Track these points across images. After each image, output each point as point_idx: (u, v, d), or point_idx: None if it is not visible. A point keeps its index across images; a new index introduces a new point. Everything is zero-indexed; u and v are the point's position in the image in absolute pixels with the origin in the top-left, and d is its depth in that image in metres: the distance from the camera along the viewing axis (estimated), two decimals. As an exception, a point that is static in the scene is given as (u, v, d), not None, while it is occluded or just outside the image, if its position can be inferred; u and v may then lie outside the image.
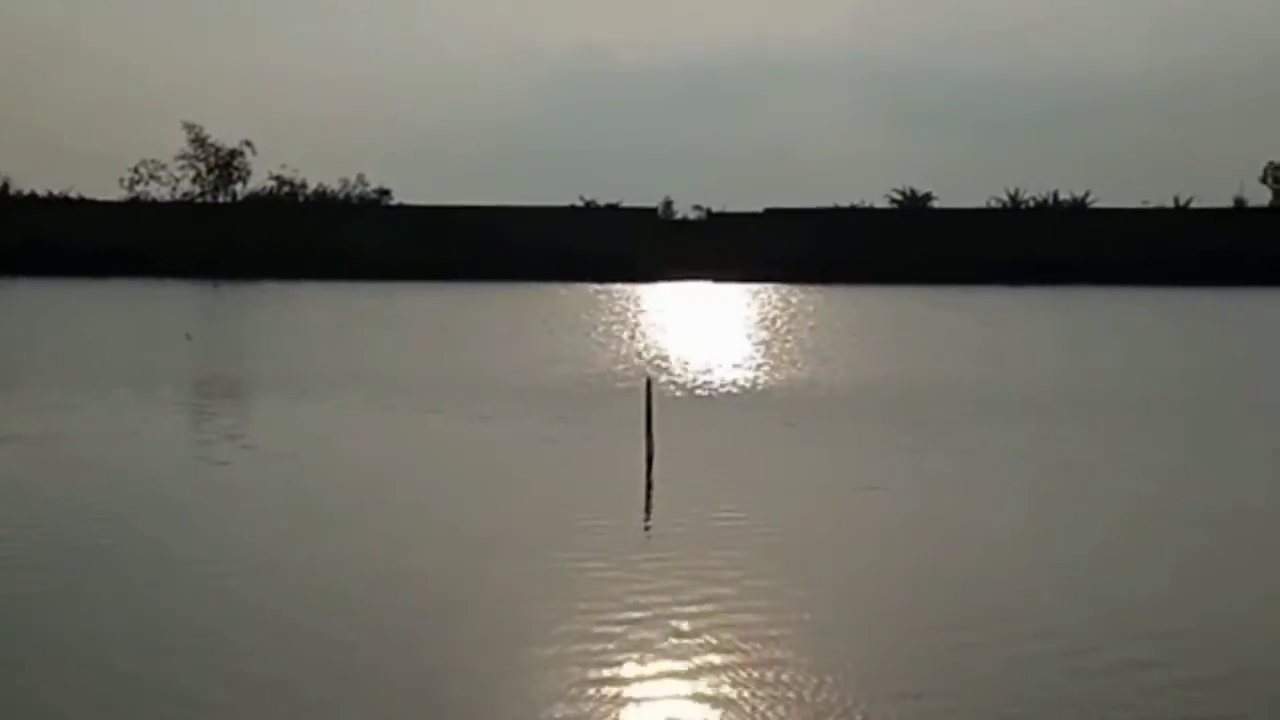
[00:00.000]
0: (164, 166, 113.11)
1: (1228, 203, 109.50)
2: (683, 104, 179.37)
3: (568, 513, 14.81)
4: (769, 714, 8.51)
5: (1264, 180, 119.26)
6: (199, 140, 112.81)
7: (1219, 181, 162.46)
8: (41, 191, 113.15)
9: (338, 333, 45.09)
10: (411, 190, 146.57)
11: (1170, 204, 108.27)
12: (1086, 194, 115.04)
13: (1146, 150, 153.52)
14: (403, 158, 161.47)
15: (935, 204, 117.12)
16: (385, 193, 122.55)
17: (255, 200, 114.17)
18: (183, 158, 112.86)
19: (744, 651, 9.74)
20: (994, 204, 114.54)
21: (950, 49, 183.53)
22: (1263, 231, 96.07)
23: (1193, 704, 8.83)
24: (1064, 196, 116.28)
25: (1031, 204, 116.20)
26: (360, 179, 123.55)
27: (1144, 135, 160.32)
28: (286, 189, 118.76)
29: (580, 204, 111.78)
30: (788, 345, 40.11)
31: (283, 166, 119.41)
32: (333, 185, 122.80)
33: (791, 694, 8.85)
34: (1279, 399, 27.77)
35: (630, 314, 58.28)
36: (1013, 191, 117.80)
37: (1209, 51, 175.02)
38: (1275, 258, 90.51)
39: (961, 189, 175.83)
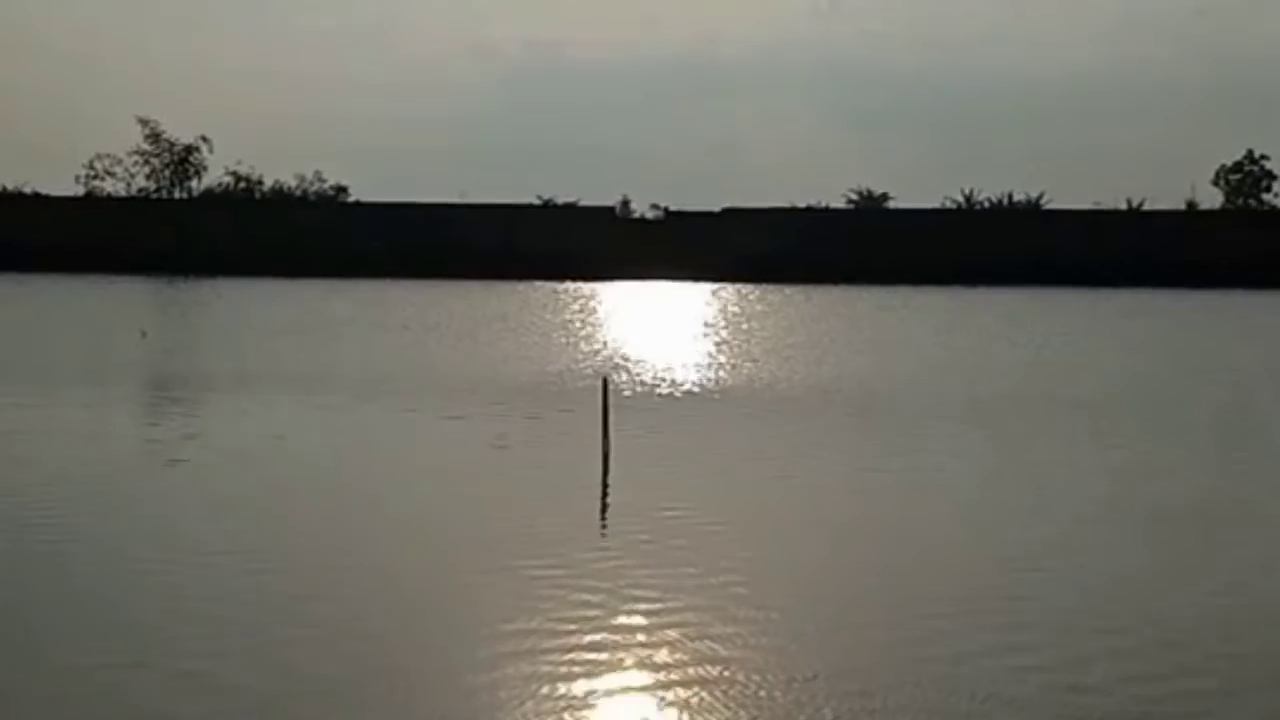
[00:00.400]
0: (120, 161, 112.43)
1: (1180, 205, 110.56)
2: (638, 103, 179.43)
3: (523, 512, 14.85)
4: (722, 713, 8.58)
5: (1216, 183, 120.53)
6: (154, 136, 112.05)
7: (1171, 184, 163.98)
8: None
9: (294, 330, 44.91)
10: (368, 187, 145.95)
11: (1123, 206, 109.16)
12: (1041, 195, 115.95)
13: (1100, 152, 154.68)
14: (359, 154, 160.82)
15: (892, 204, 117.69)
16: (342, 189, 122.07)
17: (211, 196, 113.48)
18: (138, 153, 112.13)
19: (698, 652, 9.81)
20: (949, 204, 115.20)
21: (904, 50, 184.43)
22: (1215, 234, 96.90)
23: (1144, 701, 8.97)
24: (1018, 198, 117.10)
25: (986, 205, 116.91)
26: (317, 175, 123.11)
27: (1097, 137, 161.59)
28: (243, 185, 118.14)
29: (538, 202, 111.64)
30: (745, 345, 40.24)
31: (238, 163, 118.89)
32: (289, 181, 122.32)
33: (744, 693, 8.93)
34: (1225, 399, 28.09)
35: (588, 313, 58.31)
36: (968, 192, 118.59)
37: (1162, 55, 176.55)
38: (1227, 260, 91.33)
39: (917, 190, 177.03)
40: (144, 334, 40.15)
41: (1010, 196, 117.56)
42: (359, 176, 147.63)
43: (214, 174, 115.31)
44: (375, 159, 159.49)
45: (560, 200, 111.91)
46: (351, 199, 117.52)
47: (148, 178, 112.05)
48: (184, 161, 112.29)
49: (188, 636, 10.07)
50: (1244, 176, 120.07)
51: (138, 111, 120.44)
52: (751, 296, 73.56)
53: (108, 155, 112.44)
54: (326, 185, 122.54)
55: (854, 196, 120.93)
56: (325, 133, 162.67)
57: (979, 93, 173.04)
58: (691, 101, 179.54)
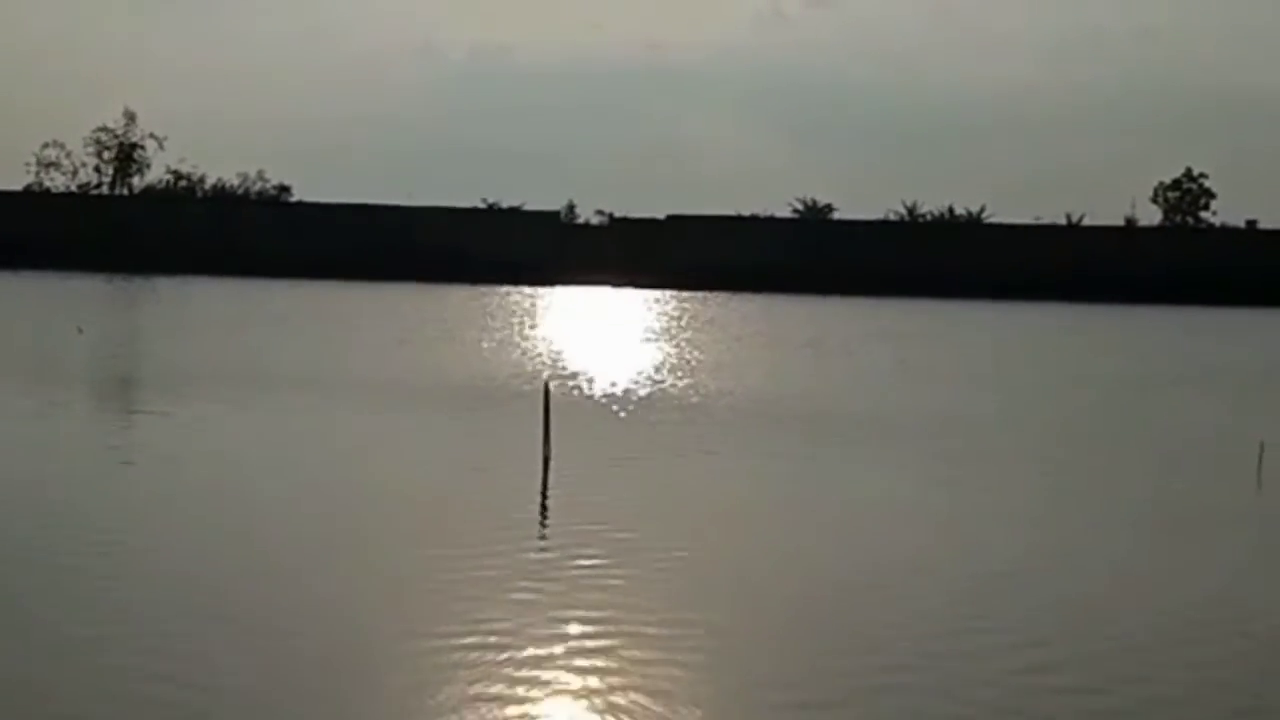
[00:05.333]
0: (70, 153, 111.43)
1: (1119, 221, 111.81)
2: (584, 108, 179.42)
3: (461, 516, 14.78)
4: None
5: (1155, 200, 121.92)
6: (107, 129, 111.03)
7: (1112, 201, 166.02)
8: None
9: (233, 330, 44.55)
10: (311, 188, 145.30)
11: (1063, 221, 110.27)
12: (982, 209, 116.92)
13: (1041, 167, 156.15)
14: (303, 155, 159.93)
15: (835, 215, 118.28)
16: (285, 189, 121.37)
17: (152, 193, 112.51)
18: (90, 144, 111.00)
19: (633, 659, 9.78)
20: (892, 216, 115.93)
21: (849, 62, 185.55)
22: (1152, 250, 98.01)
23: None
24: (960, 211, 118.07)
25: (929, 217, 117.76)
26: (260, 174, 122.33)
27: (1038, 153, 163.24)
28: (184, 183, 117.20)
29: (483, 205, 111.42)
30: (687, 353, 40.28)
31: (181, 160, 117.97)
32: (231, 180, 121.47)
33: (675, 704, 8.90)
34: (1144, 417, 28.39)
35: (531, 317, 58.21)
36: (910, 204, 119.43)
37: (1104, 72, 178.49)
38: (1164, 276, 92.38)
39: (860, 201, 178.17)
40: (81, 331, 39.72)
41: (952, 210, 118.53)
42: (302, 177, 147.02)
43: (156, 171, 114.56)
44: (319, 159, 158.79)
45: (505, 204, 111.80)
46: (294, 199, 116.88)
47: (94, 171, 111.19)
48: (129, 158, 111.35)
49: (119, 635, 9.93)
50: (1182, 194, 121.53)
51: (79, 108, 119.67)
52: (695, 304, 73.69)
53: (59, 144, 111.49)
54: (269, 185, 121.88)
55: (798, 206, 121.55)
56: (269, 132, 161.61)
57: (923, 106, 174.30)
58: (637, 108, 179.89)
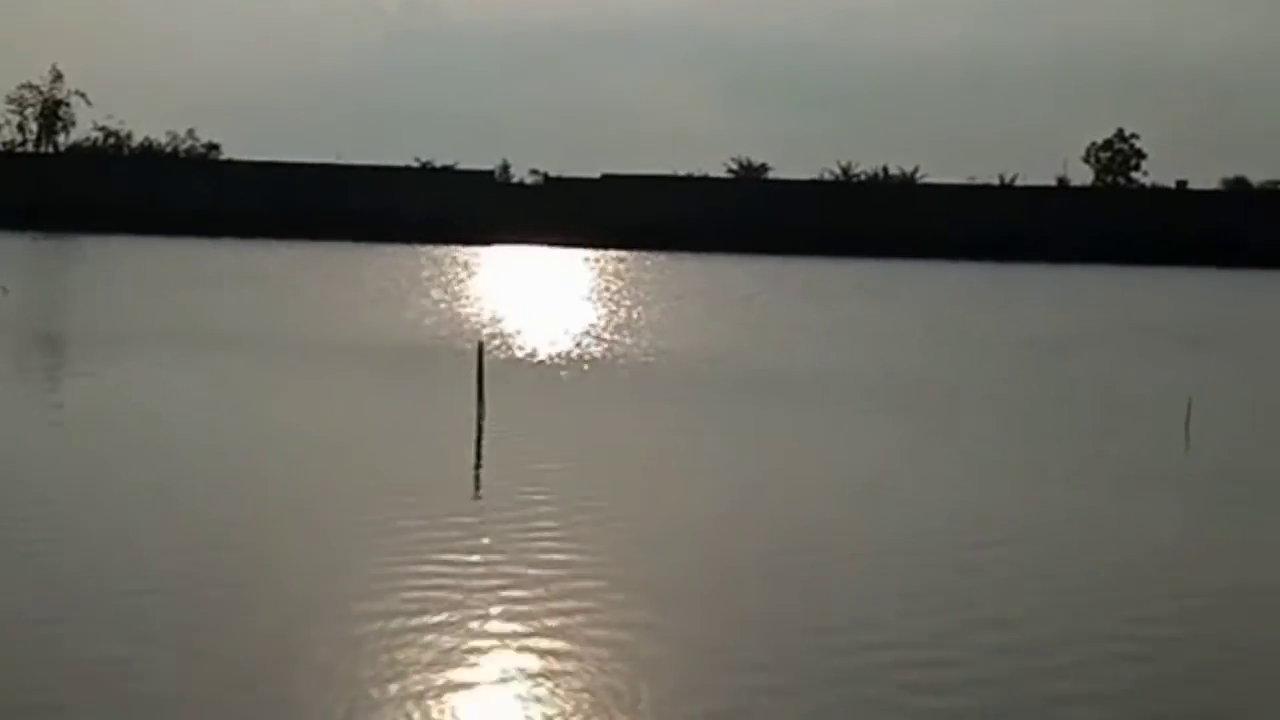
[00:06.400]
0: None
1: (1051, 181, 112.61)
2: (519, 66, 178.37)
3: (395, 478, 14.66)
4: (590, 685, 8.51)
5: (1087, 160, 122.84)
6: (31, 86, 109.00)
7: (1043, 161, 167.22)
8: None
9: (161, 289, 43.97)
10: (241, 146, 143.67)
11: (996, 181, 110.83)
12: (916, 169, 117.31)
13: (974, 128, 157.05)
14: (233, 112, 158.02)
15: (770, 175, 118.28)
16: (214, 147, 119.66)
17: (78, 151, 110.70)
18: (12, 101, 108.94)
19: (569, 619, 9.72)
20: (827, 176, 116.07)
21: (785, 22, 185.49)
22: (1084, 210, 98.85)
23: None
24: (894, 171, 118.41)
25: (863, 177, 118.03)
26: (189, 133, 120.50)
27: (972, 114, 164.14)
28: (111, 141, 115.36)
29: (416, 164, 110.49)
30: (624, 313, 40.19)
31: (108, 117, 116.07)
32: (160, 138, 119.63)
33: (614, 663, 8.86)
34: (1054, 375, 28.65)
35: (465, 277, 57.87)
36: (845, 164, 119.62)
37: (1036, 34, 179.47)
38: (1095, 236, 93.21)
39: (795, 161, 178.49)
40: (5, 290, 39.06)
41: (886, 170, 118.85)
42: (233, 134, 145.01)
43: (82, 129, 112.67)
44: (250, 117, 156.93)
45: (439, 163, 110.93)
46: (224, 157, 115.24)
47: (16, 129, 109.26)
48: (54, 115, 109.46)
49: (40, 603, 9.77)
50: (1114, 155, 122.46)
51: (2, 69, 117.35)
52: (629, 264, 73.57)
53: None
54: (198, 143, 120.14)
55: (733, 166, 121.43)
56: (199, 90, 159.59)
57: (857, 66, 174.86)
58: (572, 67, 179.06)
